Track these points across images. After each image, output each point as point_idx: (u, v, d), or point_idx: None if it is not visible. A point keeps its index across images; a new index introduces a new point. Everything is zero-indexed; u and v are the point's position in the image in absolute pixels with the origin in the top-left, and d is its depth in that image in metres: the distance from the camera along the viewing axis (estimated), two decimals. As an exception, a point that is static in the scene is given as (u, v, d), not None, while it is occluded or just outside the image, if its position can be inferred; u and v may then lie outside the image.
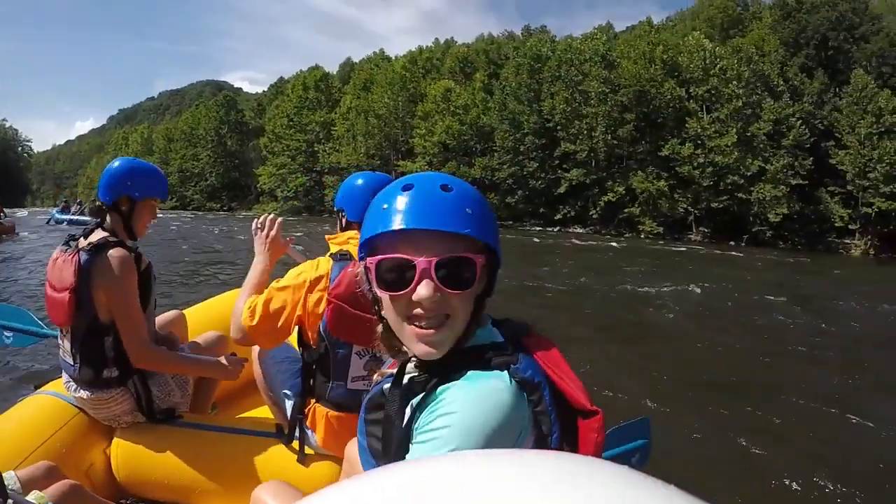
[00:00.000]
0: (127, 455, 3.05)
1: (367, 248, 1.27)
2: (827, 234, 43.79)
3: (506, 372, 1.18)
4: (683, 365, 8.05)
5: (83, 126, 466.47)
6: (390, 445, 1.24)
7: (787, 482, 4.58)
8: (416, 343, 1.21)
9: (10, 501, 2.05)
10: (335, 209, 3.03)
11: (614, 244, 35.01)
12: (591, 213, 50.65)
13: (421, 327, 1.20)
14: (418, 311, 1.19)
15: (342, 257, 2.62)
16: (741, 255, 32.42)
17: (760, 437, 5.42)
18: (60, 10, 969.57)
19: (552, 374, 1.26)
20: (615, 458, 2.70)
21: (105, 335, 2.93)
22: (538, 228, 50.74)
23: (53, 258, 3.02)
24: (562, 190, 51.81)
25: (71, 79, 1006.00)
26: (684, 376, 7.37)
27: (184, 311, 4.16)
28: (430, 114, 60.97)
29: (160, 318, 3.60)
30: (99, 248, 2.90)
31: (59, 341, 3.10)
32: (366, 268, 1.27)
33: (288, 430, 2.88)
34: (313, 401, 2.75)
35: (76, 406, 3.14)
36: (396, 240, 1.19)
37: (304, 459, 2.82)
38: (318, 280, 2.55)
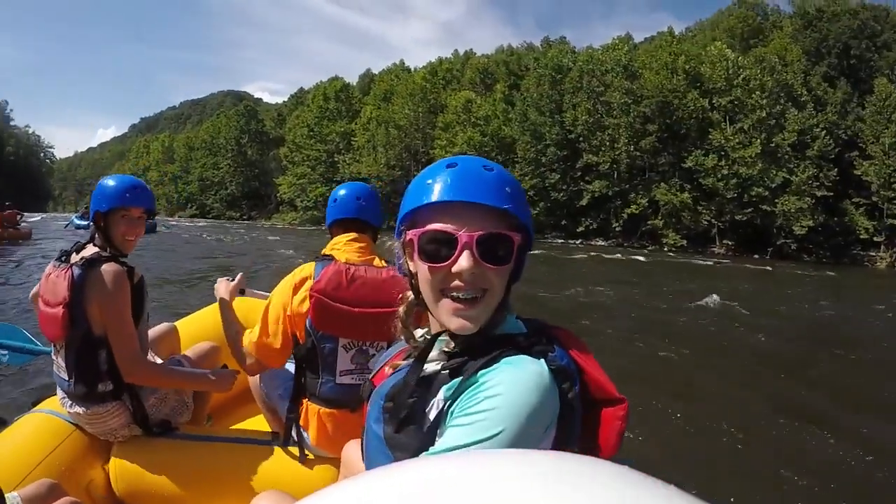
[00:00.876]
0: (125, 469, 3.05)
1: (408, 221, 1.30)
2: (852, 247, 43.50)
3: (543, 359, 1.20)
4: (704, 379, 8.06)
5: (105, 134, 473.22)
6: (416, 433, 1.25)
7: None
8: (452, 316, 1.23)
9: None
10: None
11: (637, 257, 34.83)
12: (613, 225, 50.46)
13: (458, 300, 1.23)
14: (456, 283, 1.22)
15: (324, 258, 2.70)
16: (765, 268, 32.20)
17: (796, 456, 5.39)
18: (84, 21, 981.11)
19: (582, 363, 1.30)
20: None
21: (99, 349, 2.93)
22: (560, 241, 50.48)
23: (46, 273, 3.02)
24: (584, 202, 51.76)
25: (94, 87, 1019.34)
26: (706, 390, 7.43)
27: (175, 324, 4.18)
28: (451, 125, 61.27)
29: (152, 332, 3.62)
30: (91, 263, 2.89)
31: (53, 357, 3.08)
32: (406, 241, 1.30)
33: (284, 434, 2.90)
34: (305, 399, 2.78)
35: (73, 423, 3.12)
36: (438, 214, 1.23)
37: (302, 461, 2.85)
38: (302, 281, 2.62)
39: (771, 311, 14.50)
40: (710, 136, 46.88)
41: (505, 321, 1.32)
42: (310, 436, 2.76)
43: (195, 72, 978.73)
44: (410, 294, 1.38)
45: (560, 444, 1.19)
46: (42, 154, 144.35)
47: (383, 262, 2.73)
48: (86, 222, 34.25)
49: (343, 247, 2.75)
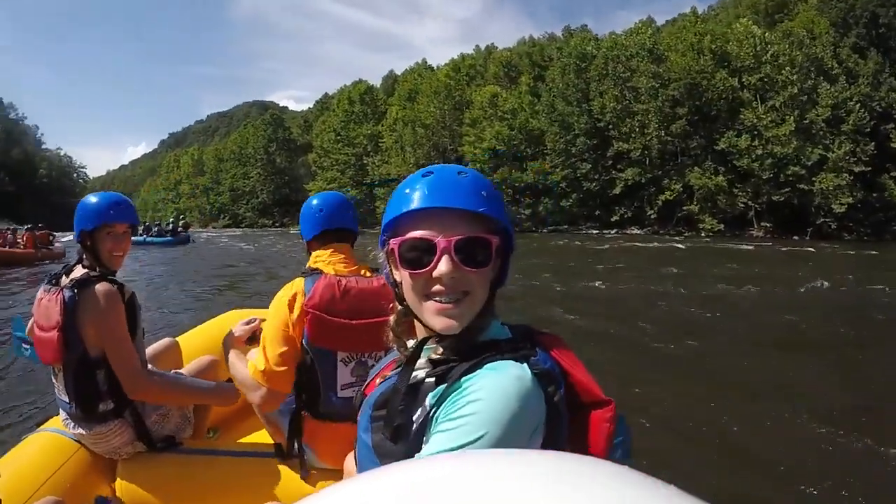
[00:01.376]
0: (131, 486, 3.07)
1: (390, 231, 1.33)
2: (893, 223, 42.51)
3: (525, 363, 1.21)
4: (749, 371, 7.60)
5: (135, 151, 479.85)
6: (403, 441, 1.26)
7: None
8: (436, 317, 1.26)
9: None
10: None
11: (673, 244, 34.15)
12: (648, 213, 50.03)
13: (441, 303, 1.25)
14: (438, 287, 1.24)
15: (312, 272, 2.66)
16: (806, 249, 31.46)
17: (861, 462, 4.91)
18: (109, 43, 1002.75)
19: (566, 367, 1.31)
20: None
21: (97, 370, 2.93)
22: (595, 231, 50.21)
23: (38, 298, 3.01)
24: (617, 191, 51.39)
25: (122, 107, 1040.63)
26: (749, 383, 7.05)
27: (177, 339, 4.16)
28: (478, 120, 61.13)
29: (153, 347, 3.65)
30: (82, 284, 2.89)
31: (53, 381, 3.08)
32: (388, 250, 1.33)
33: (287, 448, 2.88)
34: (307, 415, 2.76)
35: (77, 441, 3.13)
36: (417, 222, 1.26)
37: (305, 476, 2.83)
38: (294, 297, 2.57)
39: (815, 295, 14.15)
40: (742, 116, 46.18)
41: (490, 327, 1.34)
42: (313, 450, 2.77)
43: (220, 85, 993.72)
44: None
45: (548, 448, 1.18)
46: (75, 174, 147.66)
47: (369, 270, 2.72)
48: None
49: (328, 258, 2.73)
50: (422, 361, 1.35)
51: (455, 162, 63.94)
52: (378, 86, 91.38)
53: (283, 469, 2.88)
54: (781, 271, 19.28)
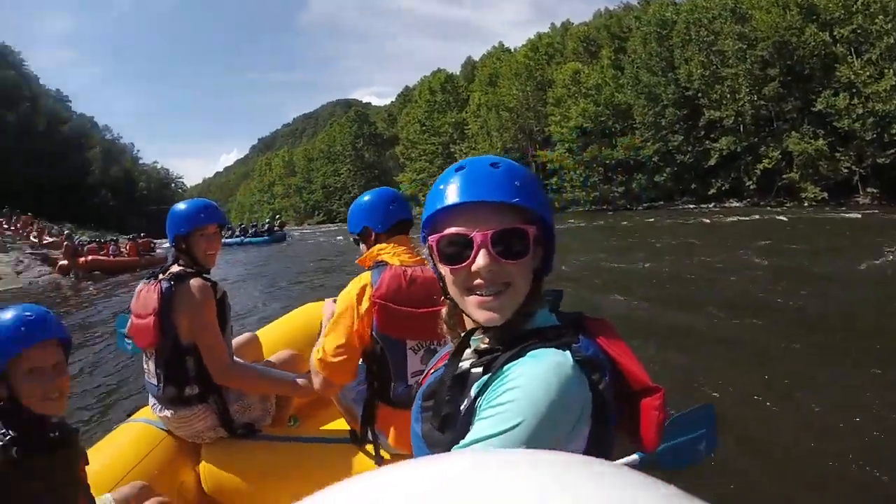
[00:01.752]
0: (213, 471, 3.23)
1: (429, 227, 1.35)
2: None
3: (567, 350, 1.21)
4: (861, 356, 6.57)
5: (228, 158, 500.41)
6: (451, 430, 1.27)
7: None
8: (478, 310, 1.27)
9: None
10: (353, 236, 3.11)
11: (774, 217, 31.87)
12: (746, 183, 48.02)
13: (482, 296, 1.26)
14: (478, 281, 1.25)
15: (378, 265, 2.74)
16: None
17: None
18: (195, 61, 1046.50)
19: (613, 353, 1.30)
20: (681, 447, 2.86)
21: (186, 356, 3.13)
22: (692, 206, 48.67)
23: (138, 291, 3.28)
24: (712, 162, 49.67)
25: (212, 118, 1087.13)
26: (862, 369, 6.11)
27: (256, 333, 4.36)
28: (562, 99, 60.83)
29: (235, 341, 3.81)
30: (179, 278, 3.14)
31: (145, 366, 3.30)
32: (429, 246, 1.35)
33: (361, 435, 2.95)
34: (379, 402, 2.82)
35: (164, 429, 3.34)
36: (453, 217, 1.28)
37: (379, 461, 2.87)
38: (362, 290, 2.66)
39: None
40: (837, 73, 43.25)
41: (536, 315, 1.36)
42: (388, 438, 2.82)
43: (302, 88, 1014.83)
44: None
45: (595, 438, 1.21)
46: (173, 185, 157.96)
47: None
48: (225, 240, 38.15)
49: (392, 250, 2.80)
50: (469, 352, 1.39)
51: (542, 143, 65.06)
52: (458, 73, 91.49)
53: (358, 455, 2.99)
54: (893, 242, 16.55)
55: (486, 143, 69.06)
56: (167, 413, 3.21)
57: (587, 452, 1.17)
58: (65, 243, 26.49)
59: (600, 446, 1.21)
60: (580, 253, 18.34)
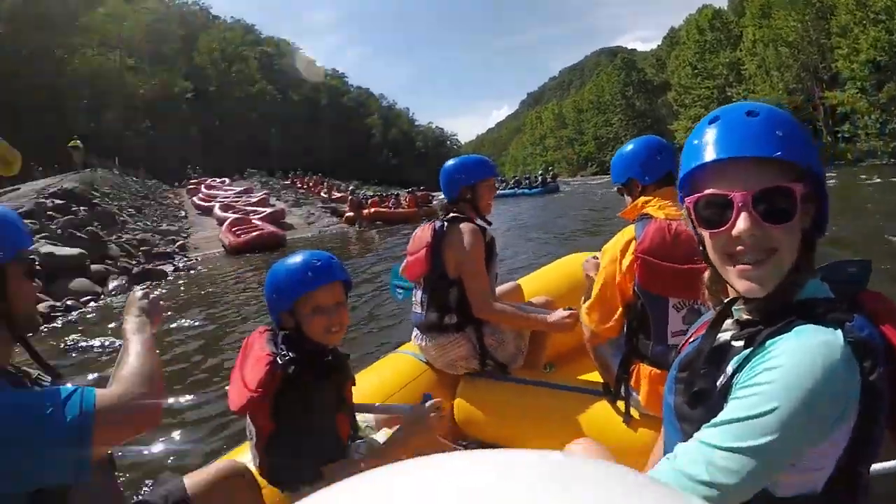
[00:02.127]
0: (466, 406, 3.47)
1: (686, 187, 1.26)
2: None
3: (839, 329, 1.08)
4: None
5: (499, 114, 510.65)
6: (703, 406, 1.20)
7: None
8: (739, 279, 1.17)
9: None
10: (618, 186, 3.05)
11: None
12: None
13: (743, 263, 1.16)
14: (740, 247, 1.15)
15: (642, 217, 2.66)
16: None
17: None
18: (464, 28, 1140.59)
19: (892, 337, 1.16)
20: None
21: (450, 287, 3.41)
22: None
23: (414, 234, 3.68)
24: None
25: (482, 79, 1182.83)
26: None
27: (518, 282, 4.57)
28: (848, 28, 52.42)
29: (499, 289, 3.99)
30: (452, 220, 3.47)
31: (413, 297, 3.68)
32: (686, 208, 1.26)
33: (614, 390, 2.91)
34: (637, 359, 2.74)
35: (425, 362, 3.64)
36: (710, 176, 1.18)
37: (627, 420, 2.83)
38: (626, 244, 2.60)
39: None
40: None
41: (807, 285, 1.22)
42: (640, 397, 2.74)
43: (565, 40, 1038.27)
44: None
45: (860, 435, 1.11)
46: (448, 142, 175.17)
47: None
48: (507, 191, 44.85)
49: (657, 203, 2.68)
50: (729, 322, 1.30)
51: (829, 83, 57.43)
52: (726, 7, 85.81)
53: (607, 409, 2.95)
54: None
55: (765, 83, 62.14)
56: (427, 342, 3.55)
57: (848, 451, 1.13)
58: (350, 197, 30.05)
59: (865, 445, 1.13)
60: (871, 216, 14.20)
